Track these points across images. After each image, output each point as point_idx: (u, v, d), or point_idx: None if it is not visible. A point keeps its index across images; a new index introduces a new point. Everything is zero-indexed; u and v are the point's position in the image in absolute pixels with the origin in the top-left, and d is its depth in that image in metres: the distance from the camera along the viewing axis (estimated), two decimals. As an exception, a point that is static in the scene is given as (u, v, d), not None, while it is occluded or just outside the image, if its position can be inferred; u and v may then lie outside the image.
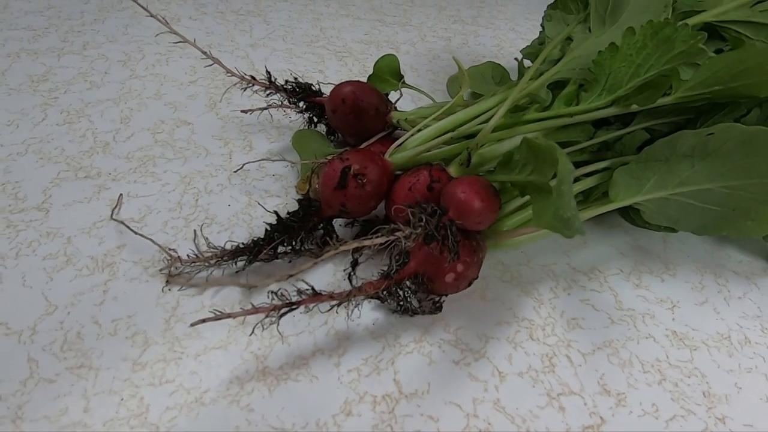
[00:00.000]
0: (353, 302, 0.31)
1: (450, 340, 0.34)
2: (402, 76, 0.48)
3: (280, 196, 0.43)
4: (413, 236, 0.31)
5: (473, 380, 0.32)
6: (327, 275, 0.37)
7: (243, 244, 0.35)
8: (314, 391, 0.30)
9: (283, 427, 0.28)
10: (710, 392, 0.33)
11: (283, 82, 0.43)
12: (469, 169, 0.38)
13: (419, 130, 0.38)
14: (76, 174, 0.42)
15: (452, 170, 0.37)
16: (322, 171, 0.37)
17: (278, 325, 0.29)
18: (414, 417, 0.29)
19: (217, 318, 0.28)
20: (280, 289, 0.30)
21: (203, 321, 0.28)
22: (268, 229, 0.35)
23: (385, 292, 0.33)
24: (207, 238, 0.36)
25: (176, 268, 0.34)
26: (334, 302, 0.31)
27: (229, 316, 0.29)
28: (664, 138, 0.35)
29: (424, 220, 0.32)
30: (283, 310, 0.30)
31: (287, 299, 0.30)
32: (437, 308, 0.35)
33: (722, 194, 0.35)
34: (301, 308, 0.30)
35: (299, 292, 0.30)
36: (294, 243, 0.36)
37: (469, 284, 0.35)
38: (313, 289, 0.30)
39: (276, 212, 0.35)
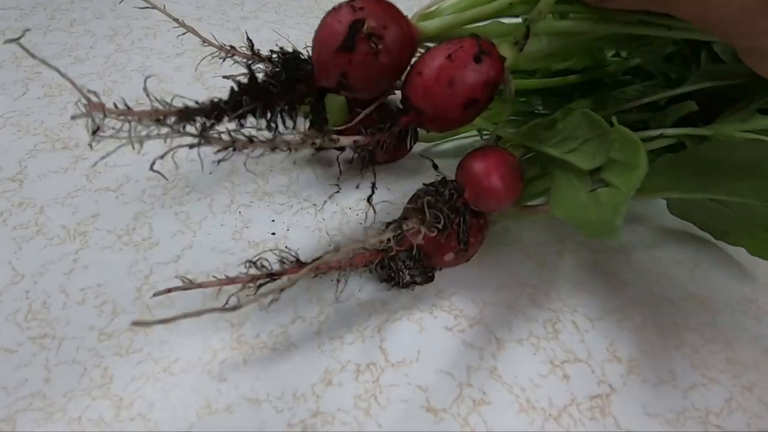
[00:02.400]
0: (342, 276, 0.28)
1: (443, 306, 0.31)
2: None
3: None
4: (423, 233, 0.27)
5: (468, 347, 0.29)
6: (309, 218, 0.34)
7: (197, 102, 0.23)
8: (292, 360, 0.28)
9: (257, 397, 0.26)
10: (735, 359, 0.29)
11: (267, 53, 0.40)
12: (522, 54, 0.28)
13: None
14: (54, 145, 0.40)
15: (503, 49, 0.27)
16: (321, 22, 0.26)
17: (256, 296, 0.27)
18: (401, 386, 0.27)
19: (185, 288, 0.26)
20: (259, 258, 0.27)
21: (169, 291, 0.25)
22: (236, 89, 0.24)
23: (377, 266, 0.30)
24: (153, 96, 0.22)
25: (99, 120, 0.22)
26: (320, 274, 0.28)
27: (199, 286, 0.26)
28: (722, 142, 0.30)
29: (442, 219, 0.28)
30: (261, 282, 0.27)
31: (267, 269, 0.27)
32: (429, 278, 0.32)
33: (765, 213, 0.29)
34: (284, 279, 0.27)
35: (281, 261, 0.27)
36: (270, 116, 0.26)
37: (468, 260, 0.32)
38: (297, 259, 0.27)
39: (249, 67, 0.27)
